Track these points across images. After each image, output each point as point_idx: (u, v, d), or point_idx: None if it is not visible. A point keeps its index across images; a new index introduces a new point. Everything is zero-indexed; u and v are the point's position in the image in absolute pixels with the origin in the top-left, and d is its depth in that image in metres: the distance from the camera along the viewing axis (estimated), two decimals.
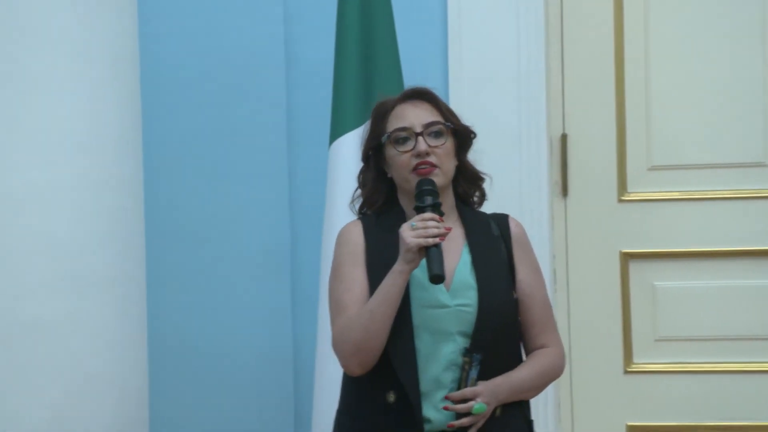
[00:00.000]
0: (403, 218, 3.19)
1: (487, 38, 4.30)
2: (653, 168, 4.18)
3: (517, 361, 3.20)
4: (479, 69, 4.26)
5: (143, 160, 3.73)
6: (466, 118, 3.49)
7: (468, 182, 3.27)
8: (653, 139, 4.25)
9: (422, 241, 3.00)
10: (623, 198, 4.20)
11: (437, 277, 3.01)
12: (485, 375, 3.10)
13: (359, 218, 3.30)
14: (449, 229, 3.10)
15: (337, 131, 3.95)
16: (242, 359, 4.33)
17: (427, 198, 3.09)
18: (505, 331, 3.15)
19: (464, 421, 3.04)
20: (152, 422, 3.76)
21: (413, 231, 3.03)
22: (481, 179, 3.28)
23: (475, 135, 3.28)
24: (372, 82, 3.97)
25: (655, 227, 4.24)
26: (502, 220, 3.29)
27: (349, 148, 3.90)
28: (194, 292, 4.31)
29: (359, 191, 3.36)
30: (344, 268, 3.21)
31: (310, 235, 4.22)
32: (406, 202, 3.21)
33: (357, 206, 3.38)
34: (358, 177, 3.34)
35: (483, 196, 3.30)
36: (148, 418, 3.70)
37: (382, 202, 3.27)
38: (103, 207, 3.55)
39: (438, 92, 3.50)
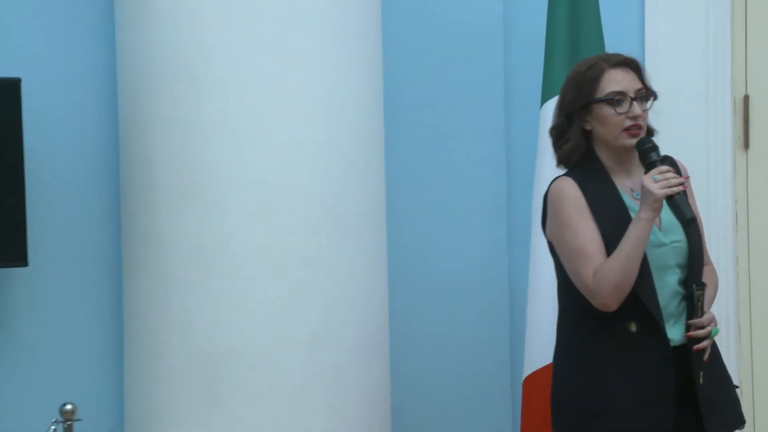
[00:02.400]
0: (605, 171, 3.34)
1: (679, 11, 4.39)
2: None
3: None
4: (672, 38, 4.38)
5: (384, 121, 4.04)
6: (660, 81, 3.66)
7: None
8: None
9: (668, 191, 3.15)
10: None
11: (690, 220, 3.19)
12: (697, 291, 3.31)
13: (566, 174, 3.40)
14: (687, 178, 3.30)
15: (546, 95, 4.08)
16: (466, 289, 4.50)
17: (652, 155, 3.23)
18: (701, 254, 3.35)
19: (705, 344, 3.24)
20: (391, 337, 4.10)
21: (657, 183, 3.17)
22: (653, 133, 3.41)
23: (657, 97, 3.38)
24: (577, 52, 4.08)
25: None
26: (672, 162, 3.40)
27: None
28: (425, 231, 4.47)
29: (556, 144, 3.44)
30: (576, 220, 3.30)
31: (524, 185, 4.37)
32: (605, 156, 3.34)
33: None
34: (551, 131, 3.44)
35: None
36: (388, 333, 4.06)
37: (579, 156, 3.38)
38: (352, 159, 3.89)
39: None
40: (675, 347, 3.28)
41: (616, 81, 3.29)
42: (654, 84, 3.68)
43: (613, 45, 4.03)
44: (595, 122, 3.31)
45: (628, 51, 3.72)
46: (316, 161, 3.81)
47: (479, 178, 4.50)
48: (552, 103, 3.85)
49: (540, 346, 4.01)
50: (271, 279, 3.76)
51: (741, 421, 3.39)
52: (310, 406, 3.80)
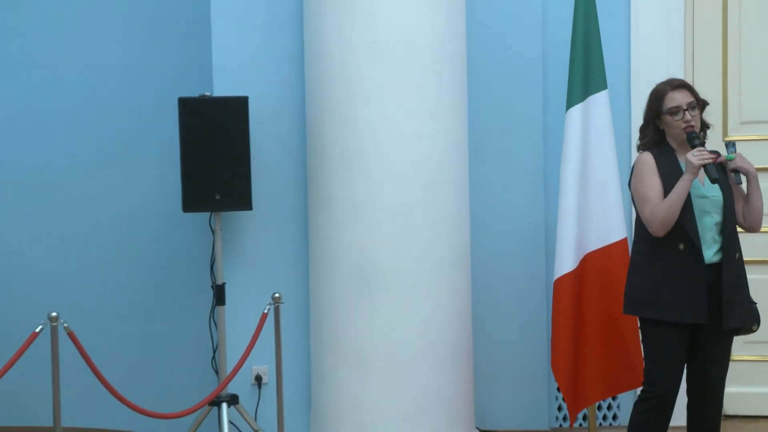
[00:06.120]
0: (673, 153, 4.01)
1: (649, 46, 5.25)
2: None
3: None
4: (646, 68, 5.19)
5: (468, 120, 4.91)
6: (639, 93, 4.72)
7: (701, 129, 4.07)
8: None
9: (702, 162, 3.83)
10: None
11: (716, 179, 3.84)
12: (729, 231, 3.87)
13: (647, 151, 4.01)
14: (716, 154, 3.91)
15: (570, 103, 4.74)
16: (517, 223, 5.25)
17: (696, 141, 3.92)
18: (733, 208, 3.97)
19: (714, 156, 3.87)
20: (471, 253, 4.90)
21: (695, 156, 3.82)
22: (708, 127, 4.10)
23: (708, 104, 4.07)
24: (588, 74, 4.74)
25: None
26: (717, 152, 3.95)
27: (576, 114, 4.70)
28: (492, 188, 5.20)
29: (640, 137, 4.07)
30: (646, 177, 3.96)
31: (554, 160, 5.03)
32: (672, 142, 4.05)
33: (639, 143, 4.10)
34: (641, 128, 4.07)
35: (705, 136, 4.10)
36: (470, 250, 4.90)
37: (653, 144, 4.05)
38: (447, 143, 4.75)
39: (623, 77, 4.92)
40: (708, 265, 3.91)
41: (674, 99, 4.00)
42: (636, 92, 4.94)
43: (610, 70, 4.87)
44: (664, 125, 4.04)
45: (617, 73, 5.04)
46: (425, 144, 4.68)
47: (526, 155, 5.29)
48: (573, 110, 4.71)
49: (566, 259, 4.66)
50: (396, 217, 4.66)
51: (754, 319, 3.95)
52: (419, 296, 4.69)
